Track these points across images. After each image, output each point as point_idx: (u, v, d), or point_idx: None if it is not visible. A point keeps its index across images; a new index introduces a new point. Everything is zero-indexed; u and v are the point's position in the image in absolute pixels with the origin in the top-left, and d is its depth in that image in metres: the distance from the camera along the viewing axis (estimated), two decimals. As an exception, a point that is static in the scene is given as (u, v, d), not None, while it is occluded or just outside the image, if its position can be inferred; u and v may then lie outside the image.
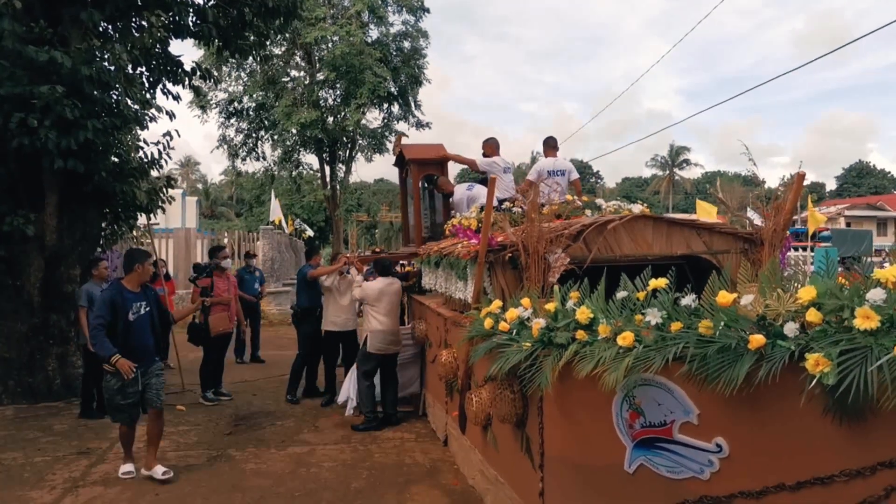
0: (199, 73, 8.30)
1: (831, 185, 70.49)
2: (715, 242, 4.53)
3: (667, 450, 2.73)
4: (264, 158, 26.34)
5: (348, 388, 6.70)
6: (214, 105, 23.84)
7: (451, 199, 7.57)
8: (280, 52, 23.80)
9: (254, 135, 25.49)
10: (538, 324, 3.21)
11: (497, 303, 3.87)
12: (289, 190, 29.60)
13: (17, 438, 5.69)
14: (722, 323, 2.44)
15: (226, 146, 25.55)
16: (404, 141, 8.52)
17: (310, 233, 40.71)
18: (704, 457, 2.60)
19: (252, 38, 8.92)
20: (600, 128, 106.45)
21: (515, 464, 3.77)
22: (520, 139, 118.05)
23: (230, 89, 23.58)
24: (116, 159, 6.90)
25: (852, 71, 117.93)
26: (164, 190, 7.74)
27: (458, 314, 5.37)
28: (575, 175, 7.06)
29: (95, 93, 6.31)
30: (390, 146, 26.33)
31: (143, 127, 7.07)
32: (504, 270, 4.32)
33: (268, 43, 9.10)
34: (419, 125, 26.14)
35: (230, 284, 7.24)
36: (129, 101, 6.81)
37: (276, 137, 25.06)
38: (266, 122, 24.44)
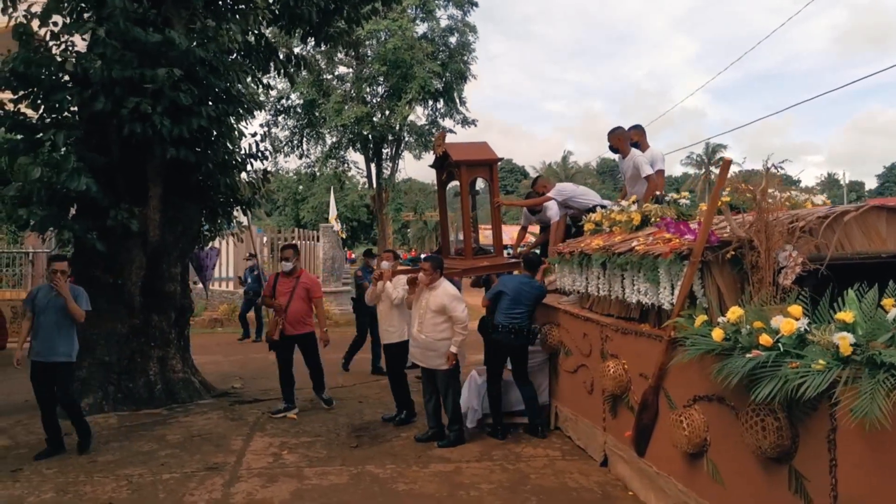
0: (293, 60, 7.86)
1: (871, 184, 68.43)
2: (960, 239, 3.89)
3: None
4: (307, 156, 26.04)
5: (469, 397, 6.17)
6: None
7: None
8: (325, 48, 23.40)
9: (299, 132, 25.15)
10: (845, 338, 2.62)
11: (737, 311, 3.28)
12: (333, 188, 29.29)
13: (132, 451, 5.26)
14: None
15: (269, 143, 25.22)
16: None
17: (344, 233, 40.38)
18: None
19: (341, 24, 8.46)
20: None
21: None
22: (548, 138, 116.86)
23: (279, 86, 23.25)
24: (223, 150, 6.45)
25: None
26: (263, 184, 7.29)
27: (621, 321, 4.81)
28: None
29: (211, 77, 5.85)
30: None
31: (253, 115, 6.61)
32: (722, 271, 3.73)
33: (357, 28, 8.58)
34: (465, 122, 25.62)
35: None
36: (241, 87, 6.35)
37: (320, 134, 24.70)
38: (313, 119, 24.05)
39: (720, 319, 3.42)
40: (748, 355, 3.03)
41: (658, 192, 5.60)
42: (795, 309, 3.00)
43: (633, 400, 4.54)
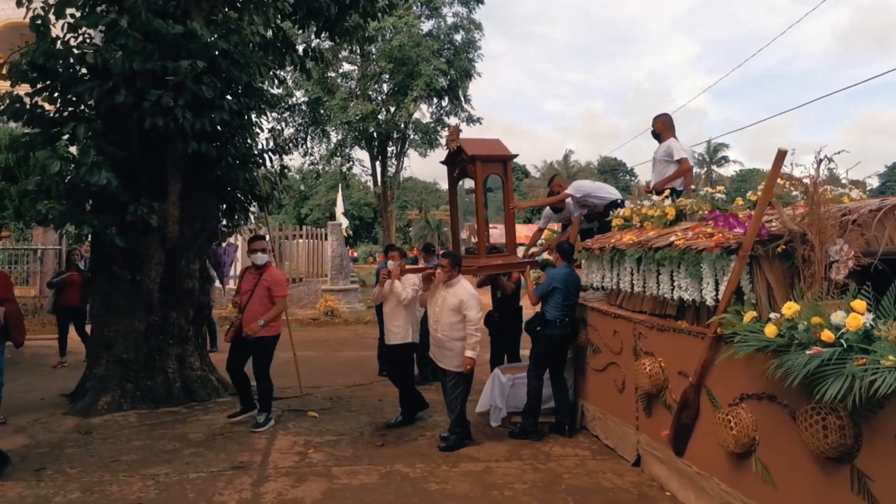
0: (310, 55, 7.75)
1: (872, 184, 68.42)
2: None
3: None
4: (311, 154, 25.93)
5: (491, 396, 6.08)
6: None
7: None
8: (329, 46, 23.27)
9: (304, 130, 25.02)
10: (920, 333, 2.54)
11: (793, 306, 3.18)
12: (337, 187, 29.22)
13: (155, 450, 5.16)
14: None
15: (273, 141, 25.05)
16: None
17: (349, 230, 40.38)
18: None
19: (355, 19, 8.35)
20: (632, 126, 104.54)
21: None
22: (549, 137, 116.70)
23: (286, 84, 23.06)
24: (244, 144, 6.35)
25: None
26: (280, 179, 7.19)
27: (656, 318, 4.71)
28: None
29: (233, 70, 5.74)
30: (442, 141, 25.68)
31: (273, 109, 6.51)
32: (772, 266, 3.64)
33: (373, 22, 8.46)
34: (470, 120, 25.49)
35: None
36: (261, 81, 6.25)
37: (323, 132, 24.60)
38: (318, 117, 23.92)
39: (771, 315, 3.33)
40: (808, 352, 2.94)
41: (686, 182, 5.50)
42: (859, 304, 2.91)
43: (669, 399, 4.45)
